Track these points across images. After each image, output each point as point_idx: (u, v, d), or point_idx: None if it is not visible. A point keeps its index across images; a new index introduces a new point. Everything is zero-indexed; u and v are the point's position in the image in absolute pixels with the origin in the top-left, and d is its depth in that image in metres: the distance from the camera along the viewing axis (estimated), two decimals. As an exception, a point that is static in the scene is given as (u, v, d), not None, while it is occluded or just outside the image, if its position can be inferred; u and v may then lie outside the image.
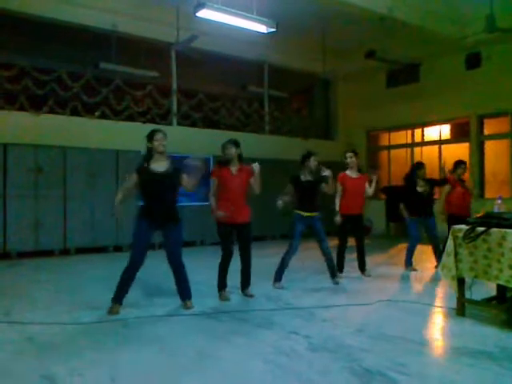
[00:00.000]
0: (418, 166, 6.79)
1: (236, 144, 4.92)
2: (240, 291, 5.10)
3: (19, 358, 3.23)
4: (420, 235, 6.77)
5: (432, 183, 6.81)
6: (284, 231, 10.98)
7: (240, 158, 4.94)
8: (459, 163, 7.07)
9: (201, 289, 5.06)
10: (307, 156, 5.60)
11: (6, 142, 7.82)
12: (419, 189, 6.65)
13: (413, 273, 6.53)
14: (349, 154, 6.21)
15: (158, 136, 4.41)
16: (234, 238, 4.98)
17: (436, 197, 7.10)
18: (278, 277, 5.61)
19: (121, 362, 3.15)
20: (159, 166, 4.42)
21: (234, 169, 4.89)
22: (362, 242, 6.23)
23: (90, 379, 2.87)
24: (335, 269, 5.81)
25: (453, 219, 6.36)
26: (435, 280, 6.00)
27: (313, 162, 5.57)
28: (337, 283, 5.69)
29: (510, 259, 3.75)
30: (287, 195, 5.65)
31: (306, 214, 5.54)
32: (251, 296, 5.00)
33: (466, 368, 3.03)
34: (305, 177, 5.59)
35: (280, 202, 5.42)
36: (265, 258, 8.06)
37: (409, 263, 6.71)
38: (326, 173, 5.49)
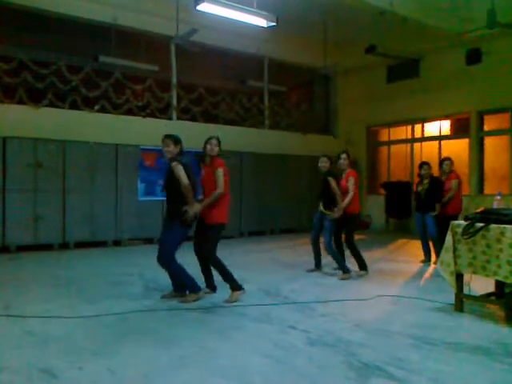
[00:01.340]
0: (420, 166, 6.91)
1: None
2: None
3: (18, 351, 3.23)
4: (420, 229, 6.96)
5: (433, 183, 6.78)
6: (284, 226, 11.02)
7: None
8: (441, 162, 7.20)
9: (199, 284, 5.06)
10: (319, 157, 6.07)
11: (5, 136, 7.80)
12: (419, 187, 6.87)
13: (411, 268, 6.57)
14: (343, 156, 6.11)
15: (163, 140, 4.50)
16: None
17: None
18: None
19: (120, 355, 3.16)
20: None
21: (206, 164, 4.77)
22: (349, 240, 6.00)
23: (89, 372, 2.88)
24: (340, 263, 5.85)
25: (439, 218, 6.62)
26: (433, 275, 6.01)
27: (320, 163, 5.97)
28: (341, 279, 5.71)
29: (508, 255, 3.76)
30: None
31: (320, 207, 5.99)
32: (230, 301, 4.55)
33: (464, 363, 3.04)
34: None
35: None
36: (262, 253, 8.10)
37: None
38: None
